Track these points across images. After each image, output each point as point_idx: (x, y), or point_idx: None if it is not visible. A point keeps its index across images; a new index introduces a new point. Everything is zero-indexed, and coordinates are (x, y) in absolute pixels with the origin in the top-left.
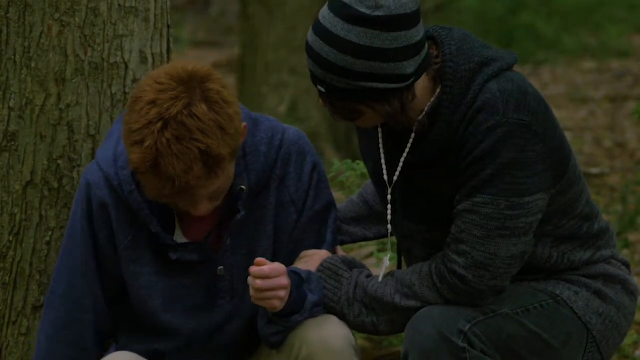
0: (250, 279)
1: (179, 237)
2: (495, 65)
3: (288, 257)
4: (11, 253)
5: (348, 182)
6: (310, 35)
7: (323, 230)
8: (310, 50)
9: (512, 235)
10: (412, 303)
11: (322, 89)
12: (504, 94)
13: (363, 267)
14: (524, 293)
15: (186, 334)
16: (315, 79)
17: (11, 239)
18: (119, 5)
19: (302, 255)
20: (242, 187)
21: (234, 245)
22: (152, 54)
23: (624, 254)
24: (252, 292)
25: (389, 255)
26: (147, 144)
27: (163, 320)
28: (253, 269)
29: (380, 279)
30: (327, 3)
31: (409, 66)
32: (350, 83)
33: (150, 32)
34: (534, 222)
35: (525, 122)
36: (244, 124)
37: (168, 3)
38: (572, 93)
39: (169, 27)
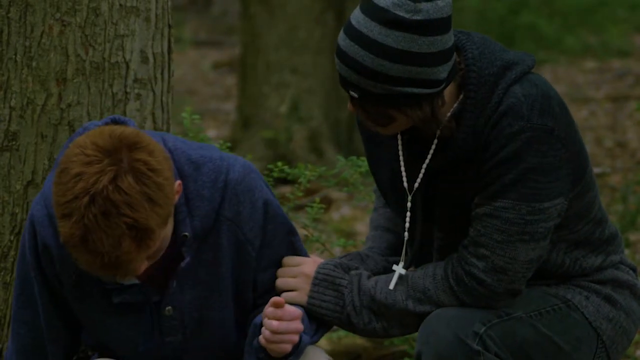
0: (266, 320)
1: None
2: (517, 68)
3: (256, 293)
4: (12, 253)
5: (352, 178)
6: (343, 40)
7: (294, 253)
8: (343, 55)
9: (532, 240)
10: (426, 308)
11: (355, 94)
12: (528, 98)
13: (357, 267)
14: (536, 297)
15: None
16: (348, 84)
17: (12, 238)
18: (120, 4)
19: (286, 264)
20: (186, 234)
21: (182, 287)
22: (153, 54)
23: (625, 253)
24: (266, 333)
25: (402, 263)
26: (74, 218)
27: (121, 353)
28: (269, 311)
29: (392, 286)
30: (359, 7)
31: (443, 71)
32: (386, 88)
33: (152, 31)
34: (552, 226)
35: (549, 127)
36: (179, 181)
37: (169, 3)
38: (573, 93)
39: (170, 26)
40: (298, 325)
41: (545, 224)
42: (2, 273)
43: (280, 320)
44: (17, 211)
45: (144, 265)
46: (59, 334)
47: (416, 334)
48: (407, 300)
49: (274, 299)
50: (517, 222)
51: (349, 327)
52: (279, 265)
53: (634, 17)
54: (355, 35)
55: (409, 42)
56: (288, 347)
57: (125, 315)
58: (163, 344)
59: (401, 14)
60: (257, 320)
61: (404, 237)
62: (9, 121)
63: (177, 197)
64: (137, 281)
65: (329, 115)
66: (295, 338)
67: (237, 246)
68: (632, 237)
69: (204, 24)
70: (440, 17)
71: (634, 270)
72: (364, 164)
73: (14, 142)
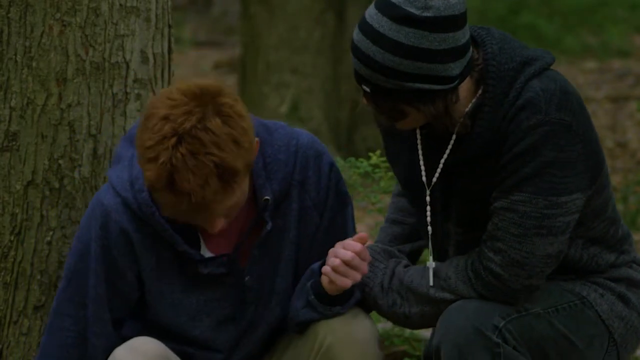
0: (341, 250)
1: (205, 252)
2: (537, 64)
3: (309, 261)
4: (12, 253)
5: (351, 180)
6: (356, 35)
7: (344, 228)
8: (356, 50)
9: (549, 234)
10: (446, 295)
11: (367, 89)
12: (547, 93)
13: (402, 257)
14: (553, 292)
15: (214, 345)
16: (360, 79)
17: (12, 238)
18: (120, 4)
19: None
20: (267, 197)
21: (260, 255)
22: (154, 54)
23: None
24: (336, 262)
25: (431, 257)
26: (162, 160)
27: (191, 335)
28: (348, 242)
29: (430, 282)
30: (373, 3)
31: (455, 68)
32: (396, 83)
33: (152, 31)
34: (571, 221)
35: (567, 121)
36: (257, 138)
37: (169, 3)
38: None
39: (170, 26)
40: (365, 268)
41: (563, 219)
42: (2, 273)
43: (357, 254)
44: (17, 211)
45: (221, 222)
46: (105, 329)
47: (416, 335)
48: (430, 286)
49: (360, 234)
50: (534, 216)
51: (375, 308)
52: (333, 236)
53: (634, 17)
54: (367, 30)
55: (419, 38)
56: (349, 283)
57: (206, 290)
58: (239, 318)
59: (412, 10)
60: (314, 266)
61: (427, 231)
62: (9, 121)
63: (255, 155)
64: (212, 254)
65: (329, 115)
66: (359, 277)
67: (303, 211)
68: (633, 237)
69: (204, 24)
70: (451, 14)
71: None
72: (362, 165)
73: (14, 142)
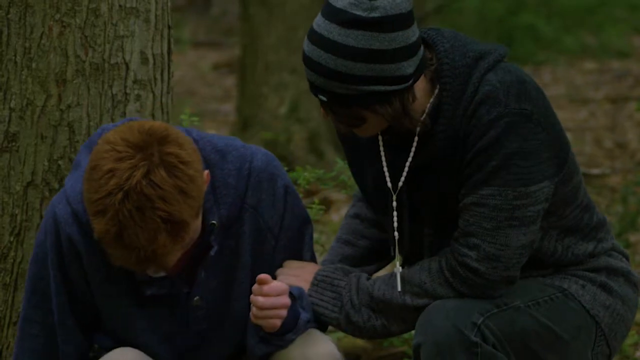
0: (252, 297)
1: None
2: (490, 57)
3: None
4: (12, 254)
5: (350, 181)
6: (307, 45)
7: (300, 249)
8: (308, 60)
9: (522, 225)
10: (424, 301)
11: (324, 98)
12: (504, 84)
13: (359, 272)
14: (533, 287)
15: (166, 358)
16: (316, 89)
17: (12, 239)
18: (120, 5)
19: (287, 266)
20: (213, 222)
21: (208, 276)
22: (153, 55)
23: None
24: (253, 310)
25: (397, 263)
26: (108, 215)
27: (143, 347)
28: (255, 287)
29: (399, 288)
30: (320, 11)
31: (408, 66)
32: (351, 88)
33: (151, 32)
34: (541, 210)
35: (527, 111)
36: (206, 171)
37: (169, 3)
38: (572, 93)
39: (169, 27)
40: (285, 300)
41: (533, 208)
42: (1, 274)
43: (266, 296)
44: (16, 212)
45: (177, 257)
46: (72, 335)
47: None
48: (405, 295)
49: (260, 276)
50: (505, 208)
51: (349, 327)
52: (289, 258)
53: (633, 17)
54: (316, 38)
55: (369, 40)
56: (277, 322)
57: (155, 307)
58: (189, 336)
59: (358, 12)
60: None
61: (394, 237)
62: (9, 122)
63: (205, 188)
64: (164, 274)
65: None
66: (283, 313)
67: (257, 234)
68: (632, 237)
69: (203, 25)
70: (398, 13)
71: (626, 257)
72: None
73: (13, 143)
